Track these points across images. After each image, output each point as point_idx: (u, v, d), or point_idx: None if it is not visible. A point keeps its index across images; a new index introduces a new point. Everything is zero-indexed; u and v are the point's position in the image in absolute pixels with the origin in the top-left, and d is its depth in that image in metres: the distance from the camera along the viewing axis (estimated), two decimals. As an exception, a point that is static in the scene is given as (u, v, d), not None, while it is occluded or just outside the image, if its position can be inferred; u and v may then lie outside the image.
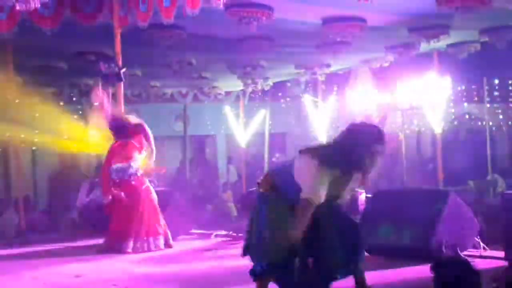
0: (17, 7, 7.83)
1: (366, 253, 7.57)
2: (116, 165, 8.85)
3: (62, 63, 11.85)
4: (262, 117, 15.42)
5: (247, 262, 7.59)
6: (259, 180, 5.24)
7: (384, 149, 4.89)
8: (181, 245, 9.18)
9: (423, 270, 3.69)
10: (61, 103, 13.66)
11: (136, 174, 8.90)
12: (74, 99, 14.39)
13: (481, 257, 7.12)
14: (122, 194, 8.84)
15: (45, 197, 15.19)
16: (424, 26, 10.00)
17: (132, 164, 8.88)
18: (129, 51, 9.29)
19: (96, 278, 6.93)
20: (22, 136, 11.61)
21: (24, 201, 11.23)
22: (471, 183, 11.52)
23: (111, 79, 9.37)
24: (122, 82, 9.29)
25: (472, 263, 3.66)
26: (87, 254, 8.60)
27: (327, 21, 9.63)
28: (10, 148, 12.59)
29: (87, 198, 11.82)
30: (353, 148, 4.81)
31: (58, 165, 15.43)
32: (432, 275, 3.59)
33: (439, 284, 3.55)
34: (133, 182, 8.85)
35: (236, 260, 7.79)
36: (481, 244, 7.46)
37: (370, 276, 6.42)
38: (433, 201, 7.58)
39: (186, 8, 7.82)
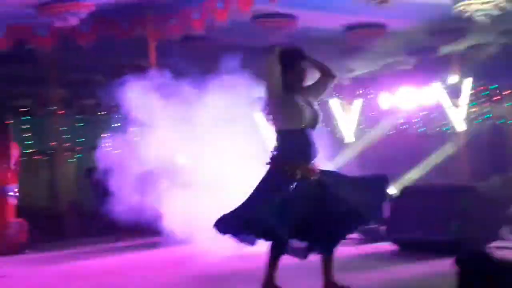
0: (56, 24, 8.28)
1: (396, 248, 7.95)
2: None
3: (100, 75, 12.25)
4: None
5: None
6: None
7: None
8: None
9: (450, 263, 3.96)
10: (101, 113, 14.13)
11: None
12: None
13: (509, 248, 7.37)
14: None
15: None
16: (444, 29, 10.19)
17: None
18: (163, 62, 9.64)
19: None
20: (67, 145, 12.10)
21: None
22: (495, 178, 11.70)
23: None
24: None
25: (494, 255, 3.80)
26: None
27: (349, 28, 9.90)
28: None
29: None
30: None
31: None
32: (456, 268, 3.74)
33: (463, 276, 3.70)
34: None
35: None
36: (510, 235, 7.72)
37: (399, 270, 6.68)
38: (459, 196, 7.87)
39: (215, 21, 8.18)
